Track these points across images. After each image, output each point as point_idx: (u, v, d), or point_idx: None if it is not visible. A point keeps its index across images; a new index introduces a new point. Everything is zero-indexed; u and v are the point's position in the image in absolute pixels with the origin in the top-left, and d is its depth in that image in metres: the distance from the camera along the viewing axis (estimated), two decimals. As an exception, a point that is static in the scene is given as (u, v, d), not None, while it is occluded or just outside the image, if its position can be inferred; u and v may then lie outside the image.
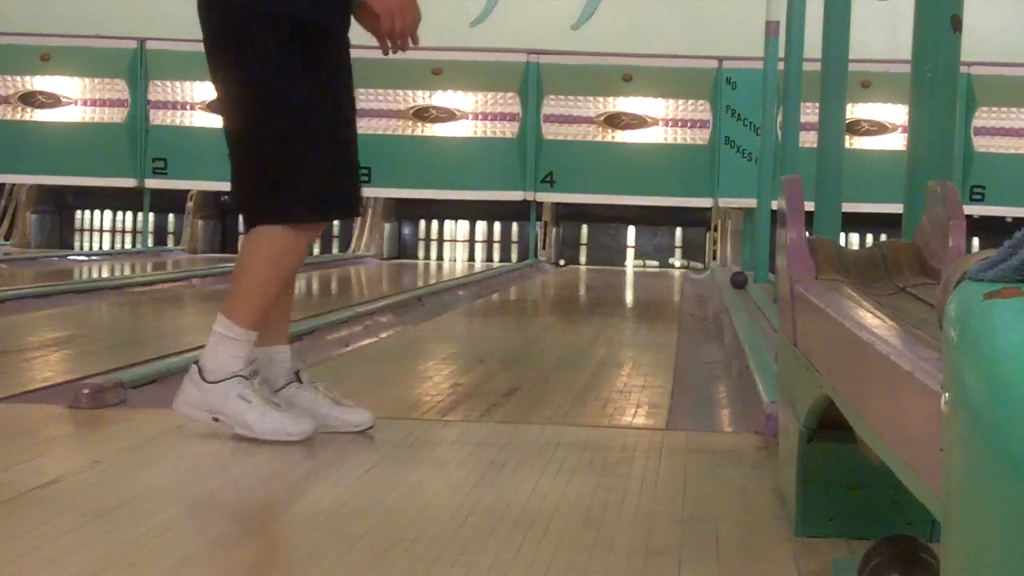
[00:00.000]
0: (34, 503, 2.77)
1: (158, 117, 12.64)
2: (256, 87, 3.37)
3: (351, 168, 3.54)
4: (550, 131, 12.60)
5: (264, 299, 3.43)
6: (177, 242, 13.29)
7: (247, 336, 3.41)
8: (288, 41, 3.36)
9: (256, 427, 3.36)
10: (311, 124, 3.42)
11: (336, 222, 13.42)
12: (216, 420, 3.39)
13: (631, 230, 13.45)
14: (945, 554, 1.20)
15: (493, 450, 3.45)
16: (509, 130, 12.55)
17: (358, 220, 13.18)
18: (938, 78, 3.21)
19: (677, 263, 13.06)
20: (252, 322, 3.42)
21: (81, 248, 13.46)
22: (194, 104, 12.57)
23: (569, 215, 13.22)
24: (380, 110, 12.55)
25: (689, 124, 12.58)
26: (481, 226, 13.32)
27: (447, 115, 12.53)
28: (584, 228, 13.29)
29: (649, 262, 13.30)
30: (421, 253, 13.36)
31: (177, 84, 12.59)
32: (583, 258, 13.32)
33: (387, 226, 13.23)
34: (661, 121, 12.60)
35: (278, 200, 3.41)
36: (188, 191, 12.83)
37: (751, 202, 10.91)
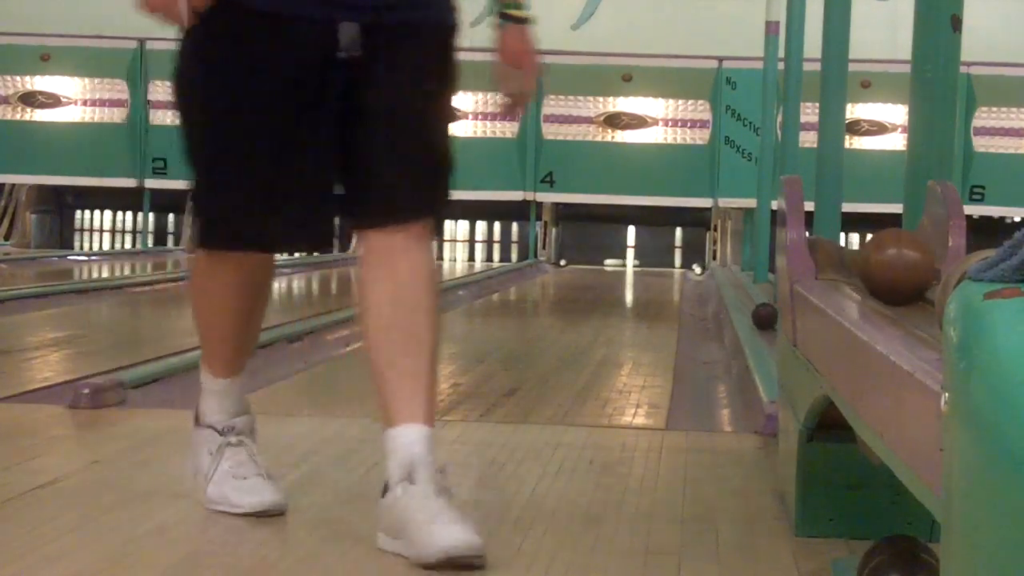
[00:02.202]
0: (34, 503, 2.77)
1: (158, 117, 12.63)
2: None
3: None
4: (550, 131, 12.60)
5: None
6: (177, 242, 13.28)
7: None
8: None
9: (207, 487, 2.72)
10: None
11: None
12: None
13: (631, 230, 13.45)
14: (945, 554, 1.20)
15: (493, 450, 3.45)
16: (509, 130, 12.54)
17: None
18: (938, 78, 3.20)
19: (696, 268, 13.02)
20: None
21: (81, 248, 13.46)
22: (194, 104, 12.55)
23: (568, 215, 13.22)
24: (380, 110, 12.55)
25: (689, 124, 12.58)
26: (481, 226, 13.32)
27: (447, 115, 12.52)
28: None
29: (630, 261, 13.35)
30: (421, 253, 13.34)
31: (177, 84, 12.57)
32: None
33: (387, 226, 13.22)
34: (661, 121, 12.60)
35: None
36: (188, 191, 12.81)
37: (751, 202, 10.91)
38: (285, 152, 2.58)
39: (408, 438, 2.49)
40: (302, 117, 2.55)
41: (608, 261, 13.32)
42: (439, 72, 2.69)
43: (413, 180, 2.60)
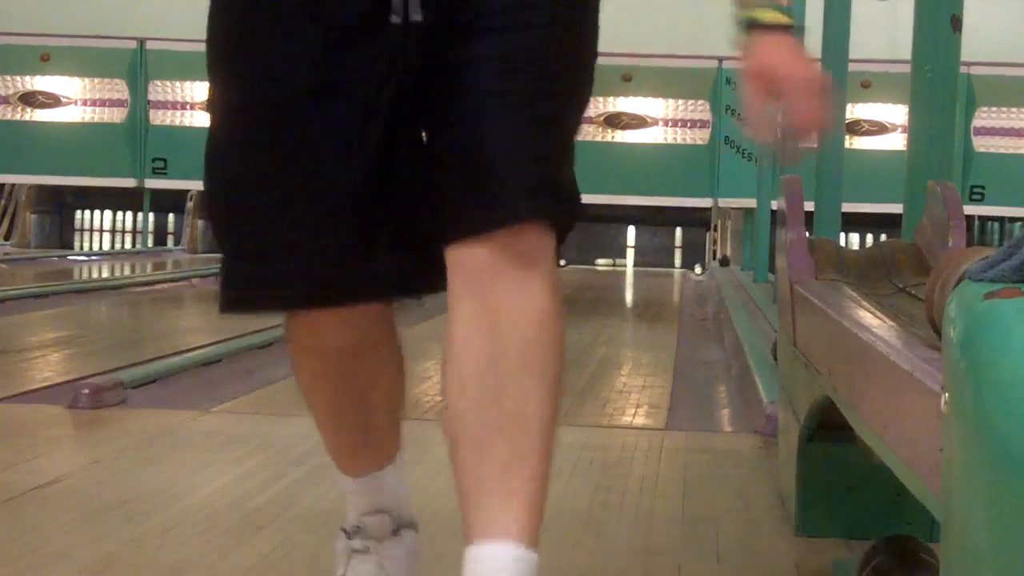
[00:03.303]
0: (34, 503, 2.77)
1: (158, 117, 12.64)
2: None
3: None
4: (550, 131, 12.59)
5: None
6: (177, 242, 13.28)
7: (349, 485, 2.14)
8: None
9: None
10: None
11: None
12: None
13: (631, 230, 13.45)
14: (945, 554, 1.20)
15: (493, 450, 3.44)
16: (509, 130, 12.54)
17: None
18: (938, 78, 3.21)
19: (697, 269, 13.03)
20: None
21: (81, 248, 13.47)
22: (194, 104, 12.57)
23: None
24: (380, 110, 12.55)
25: (689, 124, 12.58)
26: (481, 226, 13.32)
27: (447, 115, 12.53)
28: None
29: (619, 260, 13.36)
30: (421, 253, 13.35)
31: (177, 84, 12.59)
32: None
33: (387, 226, 13.24)
34: (661, 121, 12.60)
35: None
36: (188, 191, 12.83)
37: (751, 202, 10.91)
38: (311, 160, 1.75)
39: (491, 563, 1.70)
40: (340, 108, 1.72)
41: (599, 261, 13.31)
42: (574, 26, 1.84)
43: (525, 157, 1.79)
